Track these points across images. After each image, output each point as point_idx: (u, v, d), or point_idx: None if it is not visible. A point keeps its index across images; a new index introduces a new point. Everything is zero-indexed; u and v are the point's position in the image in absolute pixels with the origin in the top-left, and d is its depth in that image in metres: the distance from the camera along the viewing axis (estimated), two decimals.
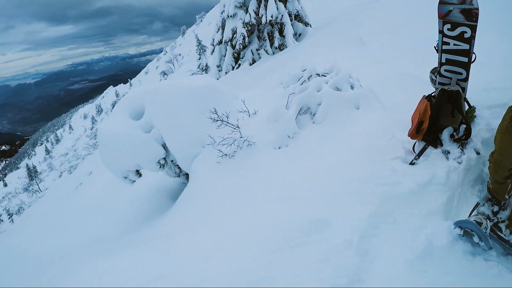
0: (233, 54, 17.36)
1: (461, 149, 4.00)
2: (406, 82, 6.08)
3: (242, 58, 17.08)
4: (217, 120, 6.02)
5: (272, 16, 15.70)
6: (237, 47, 16.65)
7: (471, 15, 3.63)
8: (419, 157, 4.13)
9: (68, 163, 48.12)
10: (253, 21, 16.03)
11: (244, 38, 16.31)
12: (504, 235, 3.19)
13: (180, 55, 52.38)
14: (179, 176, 7.17)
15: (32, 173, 54.54)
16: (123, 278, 4.03)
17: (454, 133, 4.11)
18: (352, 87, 6.10)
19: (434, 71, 4.44)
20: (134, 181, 7.14)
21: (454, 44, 3.92)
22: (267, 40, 16.67)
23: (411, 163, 4.12)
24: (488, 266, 2.99)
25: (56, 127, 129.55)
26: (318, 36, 14.44)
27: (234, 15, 16.52)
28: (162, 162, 6.62)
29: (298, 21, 17.45)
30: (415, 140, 4.33)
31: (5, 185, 70.50)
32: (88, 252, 5.93)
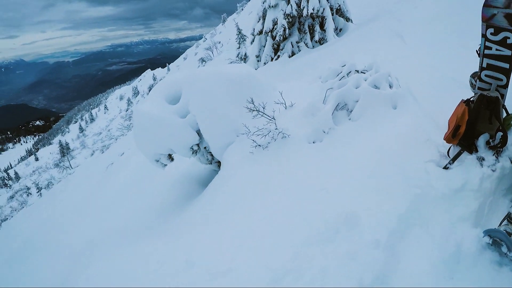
0: (273, 45, 17.30)
1: (496, 156, 3.97)
2: (445, 84, 6.00)
3: (282, 50, 17.01)
4: (253, 110, 6.06)
5: (313, 9, 15.57)
6: (277, 38, 16.59)
7: None
8: (453, 162, 4.11)
9: (101, 142, 49.03)
10: (294, 13, 15.92)
11: (284, 30, 16.24)
12: None
13: (219, 43, 52.48)
14: (211, 163, 7.26)
15: (65, 150, 55.93)
16: (155, 264, 4.20)
17: (490, 140, 4.05)
18: (390, 86, 6.06)
19: (474, 76, 4.38)
20: (165, 165, 7.26)
21: (496, 49, 3.84)
22: (308, 33, 16.56)
23: (445, 167, 4.10)
24: None
25: (91, 106, 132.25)
26: (359, 32, 14.26)
27: (276, 6, 16.45)
28: (195, 148, 6.70)
29: (340, 16, 17.26)
30: (450, 144, 4.30)
31: (37, 159, 72.75)
32: (119, 239, 6.15)
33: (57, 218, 13.24)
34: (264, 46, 17.80)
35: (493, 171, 3.86)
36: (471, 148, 4.12)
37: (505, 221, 3.41)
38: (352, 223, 3.68)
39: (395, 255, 3.28)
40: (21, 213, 23.24)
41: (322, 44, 16.37)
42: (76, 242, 7.99)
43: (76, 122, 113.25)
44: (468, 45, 5.59)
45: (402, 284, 3.03)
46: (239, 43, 26.43)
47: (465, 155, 4.11)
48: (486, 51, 3.95)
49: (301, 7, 15.82)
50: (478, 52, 4.07)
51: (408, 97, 5.72)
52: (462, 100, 4.20)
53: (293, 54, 16.55)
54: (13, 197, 41.90)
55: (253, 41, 18.43)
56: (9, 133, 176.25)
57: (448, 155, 4.28)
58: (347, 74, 6.75)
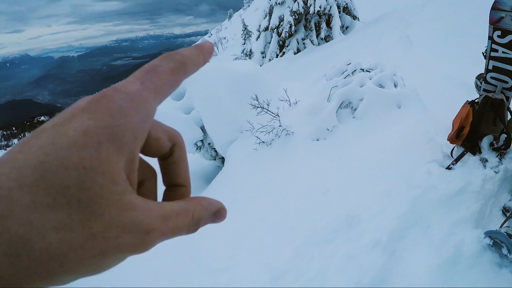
0: (278, 41, 17.33)
1: (499, 158, 3.96)
2: (450, 85, 6.00)
3: (287, 47, 17.04)
4: (258, 107, 6.08)
5: (320, 7, 15.60)
6: (283, 35, 16.63)
7: None
8: (456, 163, 4.11)
9: None
10: (301, 10, 15.95)
11: (290, 27, 16.26)
12: None
13: (225, 38, 52.56)
14: (215, 159, 7.29)
15: None
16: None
17: (494, 142, 4.04)
18: (395, 85, 6.07)
19: (480, 77, 4.37)
20: None
21: (503, 52, 3.83)
22: (314, 30, 16.57)
23: (448, 168, 4.11)
24: None
25: None
26: (366, 31, 14.26)
27: (282, 3, 16.47)
28: (199, 144, 6.74)
29: (346, 14, 17.27)
30: (454, 145, 4.31)
31: None
32: None
33: None
34: (270, 43, 17.81)
35: (496, 172, 3.86)
36: (474, 149, 4.12)
37: (507, 223, 3.41)
38: (352, 223, 3.70)
39: (395, 255, 3.29)
40: None
41: (328, 41, 16.37)
42: None
43: None
44: (474, 47, 5.59)
45: (401, 285, 3.04)
46: (244, 39, 26.48)
47: (468, 156, 4.11)
48: (492, 53, 3.94)
49: (308, 5, 15.83)
50: (484, 54, 4.06)
51: (412, 97, 5.72)
52: (467, 101, 4.20)
53: (298, 51, 16.57)
54: None
55: (258, 37, 18.45)
56: (14, 128, 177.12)
57: (451, 155, 4.28)
58: (352, 73, 6.75)
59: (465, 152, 4.14)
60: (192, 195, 0.44)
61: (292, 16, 16.11)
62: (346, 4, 16.95)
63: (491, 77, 4.08)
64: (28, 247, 0.25)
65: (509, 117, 4.13)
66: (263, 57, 18.30)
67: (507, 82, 3.98)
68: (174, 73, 0.35)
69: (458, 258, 3.15)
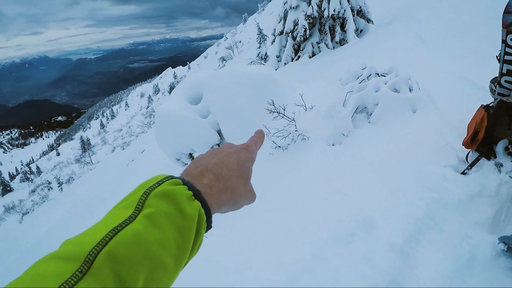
0: (293, 45, 17.35)
1: None
2: (465, 88, 5.99)
3: (302, 50, 17.05)
4: (274, 112, 6.12)
5: (334, 10, 15.58)
6: (297, 39, 16.64)
7: None
8: (471, 168, 4.12)
9: (122, 139, 49.38)
10: (315, 14, 15.95)
11: (305, 31, 16.28)
12: None
13: (240, 42, 52.66)
14: None
15: (86, 145, 56.51)
16: None
17: (509, 146, 4.05)
18: (410, 90, 6.09)
19: (494, 81, 4.36)
20: (186, 163, 7.37)
21: None
22: (328, 34, 16.56)
23: (463, 173, 4.13)
24: None
25: (112, 103, 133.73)
26: (379, 34, 14.22)
27: (297, 7, 16.50)
28: (216, 148, 6.80)
29: (361, 17, 17.23)
30: (469, 150, 4.32)
31: (58, 154, 73.84)
32: None
33: (75, 214, 13.47)
34: (285, 47, 17.85)
35: (511, 177, 3.87)
36: (489, 154, 4.13)
37: None
38: (368, 226, 3.73)
39: (410, 259, 3.32)
40: (42, 208, 23.64)
41: (343, 45, 16.35)
42: None
43: (97, 118, 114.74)
44: (488, 50, 5.58)
45: None
46: (259, 43, 26.53)
47: (483, 161, 4.13)
48: (507, 57, 3.93)
49: (322, 8, 15.83)
50: (498, 58, 4.06)
51: (427, 101, 5.74)
52: (482, 105, 4.21)
53: (313, 54, 16.57)
54: (34, 191, 42.43)
55: (273, 41, 18.49)
56: (31, 127, 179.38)
57: (466, 160, 4.29)
58: (367, 77, 6.78)
59: (480, 157, 4.15)
60: None
61: (306, 20, 16.12)
62: (360, 7, 16.91)
63: (506, 81, 4.07)
64: (234, 189, 0.71)
65: None
66: (278, 61, 18.33)
67: None
68: (258, 146, 0.86)
69: (472, 263, 3.17)
